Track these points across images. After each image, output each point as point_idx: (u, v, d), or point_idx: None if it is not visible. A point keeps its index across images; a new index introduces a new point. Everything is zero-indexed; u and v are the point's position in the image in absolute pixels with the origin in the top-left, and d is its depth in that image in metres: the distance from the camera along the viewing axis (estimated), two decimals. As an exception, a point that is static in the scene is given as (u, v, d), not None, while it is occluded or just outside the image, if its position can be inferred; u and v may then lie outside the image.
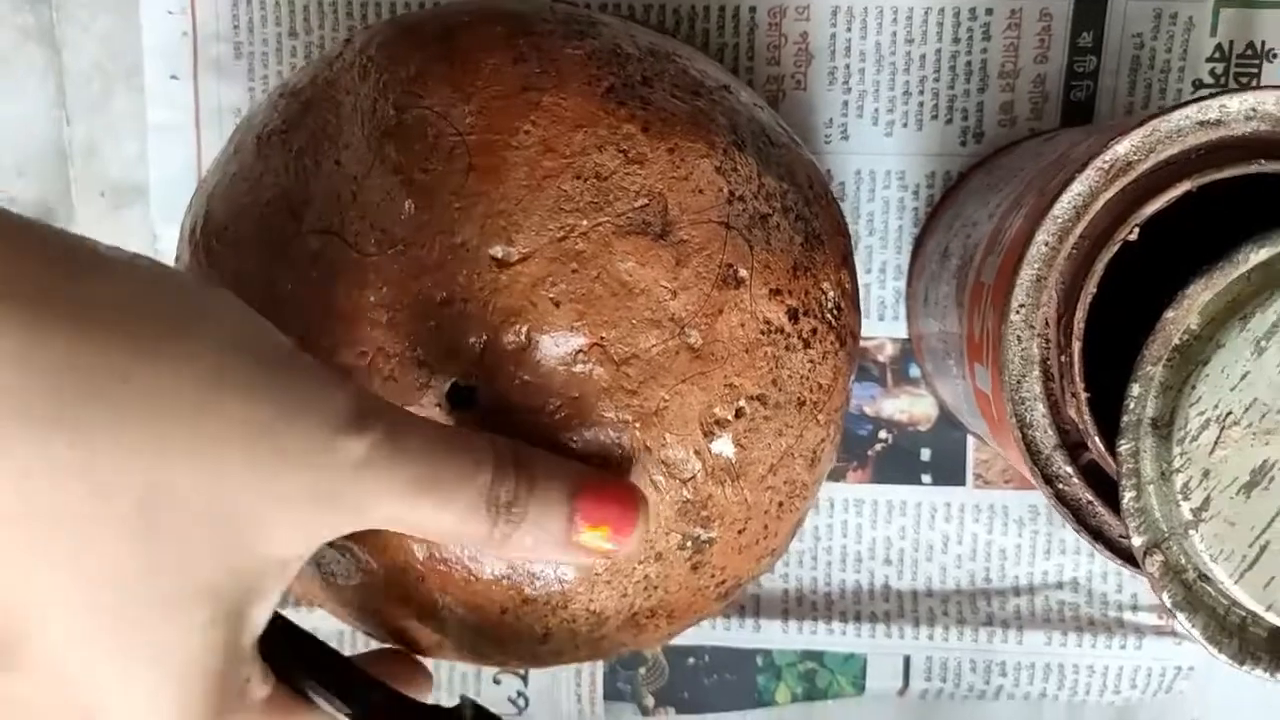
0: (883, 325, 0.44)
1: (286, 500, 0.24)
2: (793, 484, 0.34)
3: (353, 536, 0.30)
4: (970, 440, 0.45)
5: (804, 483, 0.34)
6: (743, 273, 0.32)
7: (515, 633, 0.33)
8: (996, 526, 0.45)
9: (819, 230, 0.34)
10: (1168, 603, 0.28)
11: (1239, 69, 0.43)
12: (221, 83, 0.44)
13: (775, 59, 0.44)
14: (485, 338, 0.30)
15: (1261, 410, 0.27)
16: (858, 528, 0.45)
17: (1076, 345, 0.29)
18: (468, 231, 0.30)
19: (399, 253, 0.30)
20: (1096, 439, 0.29)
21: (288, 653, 0.28)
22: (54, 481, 0.22)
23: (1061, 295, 0.30)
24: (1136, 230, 0.29)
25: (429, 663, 0.39)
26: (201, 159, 0.45)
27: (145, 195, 0.45)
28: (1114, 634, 0.44)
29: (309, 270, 0.31)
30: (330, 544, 0.30)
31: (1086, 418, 0.29)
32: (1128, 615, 0.44)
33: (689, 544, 0.32)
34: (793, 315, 0.33)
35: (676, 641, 0.45)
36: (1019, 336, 0.30)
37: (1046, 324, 0.30)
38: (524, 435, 0.29)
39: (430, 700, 0.41)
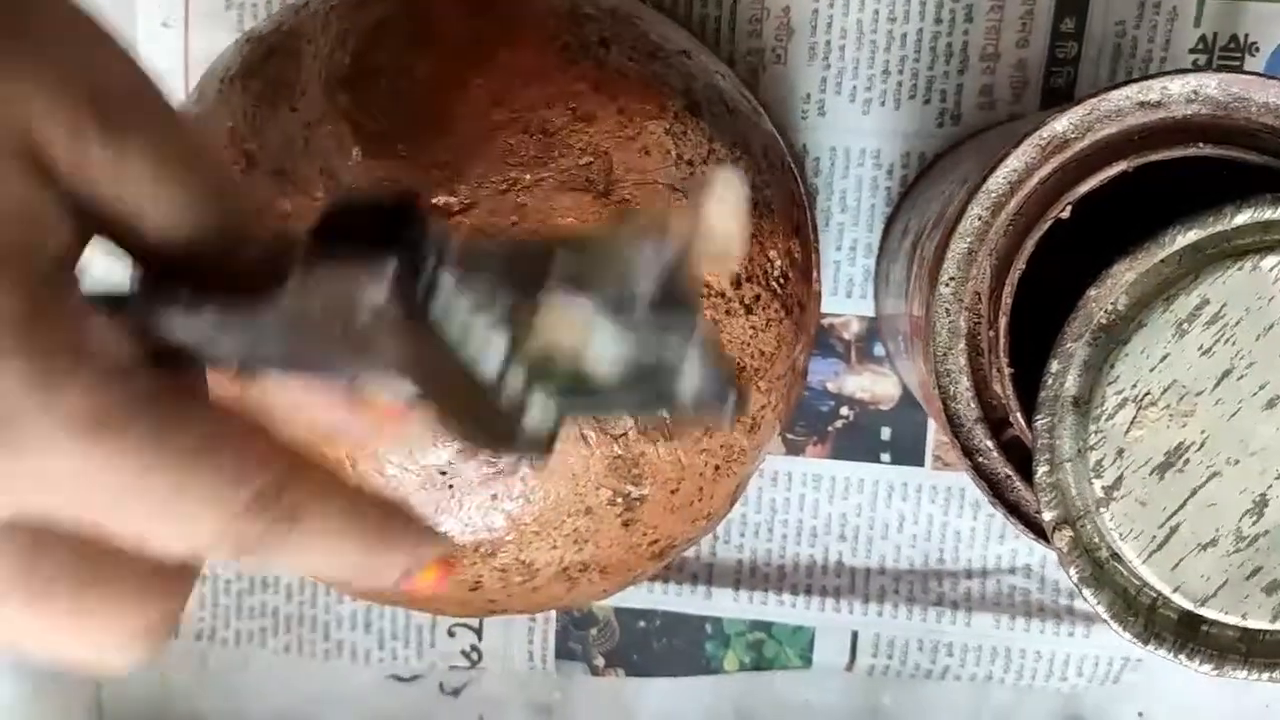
0: (850, 303, 0.44)
1: None
2: (729, 448, 0.34)
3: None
4: (931, 422, 0.45)
5: (742, 448, 0.35)
6: (684, 235, 0.32)
7: (446, 578, 0.33)
8: (953, 508, 0.45)
9: (770, 199, 0.35)
10: (1074, 578, 0.28)
11: (1222, 61, 0.43)
12: (212, 32, 0.45)
13: (757, 32, 0.44)
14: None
15: (1180, 392, 0.27)
16: (815, 502, 0.45)
17: (1003, 320, 0.29)
18: (412, 179, 0.31)
19: (344, 197, 0.31)
20: (1019, 414, 0.29)
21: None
22: None
23: (993, 270, 0.30)
24: (1069, 208, 0.29)
25: (373, 639, 0.39)
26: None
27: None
28: (1063, 621, 0.44)
29: (260, 215, 0.32)
30: None
31: (1009, 392, 0.29)
32: (1078, 603, 0.44)
33: (619, 500, 0.33)
34: (734, 281, 0.33)
35: (628, 604, 0.45)
36: (947, 309, 0.30)
37: (978, 298, 0.30)
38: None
39: (390, 662, 0.42)
